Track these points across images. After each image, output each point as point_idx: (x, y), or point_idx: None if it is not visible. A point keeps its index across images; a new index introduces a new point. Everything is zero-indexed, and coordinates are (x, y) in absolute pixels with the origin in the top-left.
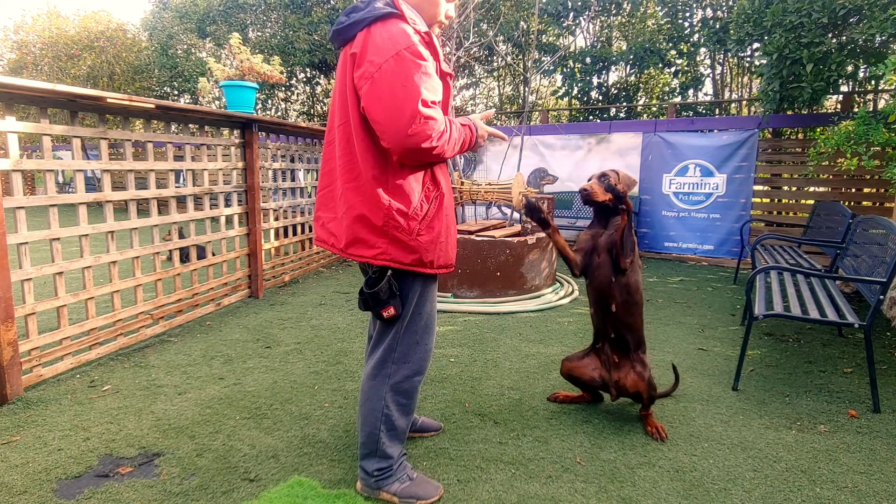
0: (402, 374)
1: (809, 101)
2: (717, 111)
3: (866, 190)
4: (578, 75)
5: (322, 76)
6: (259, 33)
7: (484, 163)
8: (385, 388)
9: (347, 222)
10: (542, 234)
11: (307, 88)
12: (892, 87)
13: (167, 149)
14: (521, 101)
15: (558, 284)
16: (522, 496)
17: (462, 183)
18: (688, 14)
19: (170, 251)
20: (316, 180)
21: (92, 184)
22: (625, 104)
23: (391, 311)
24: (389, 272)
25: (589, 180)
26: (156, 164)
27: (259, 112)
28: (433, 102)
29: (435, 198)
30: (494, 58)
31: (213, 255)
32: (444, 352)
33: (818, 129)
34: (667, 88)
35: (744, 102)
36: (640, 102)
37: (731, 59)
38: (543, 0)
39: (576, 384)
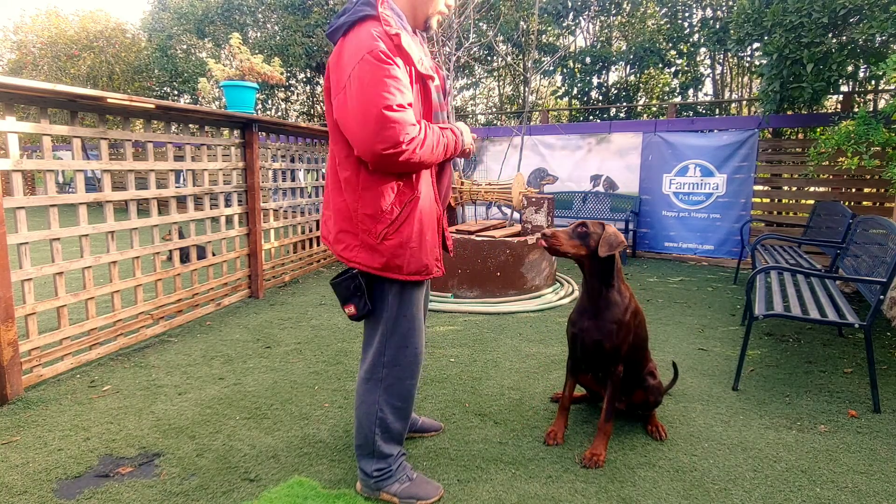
0: (393, 377)
1: (810, 101)
2: (717, 111)
3: (866, 190)
4: (578, 75)
5: (321, 77)
6: (258, 34)
7: (484, 163)
8: (378, 392)
9: (332, 220)
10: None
11: (307, 89)
12: (893, 87)
13: (167, 149)
14: (521, 101)
15: (558, 284)
16: (522, 496)
17: (462, 183)
18: (688, 14)
19: (170, 251)
20: (316, 180)
21: (92, 184)
22: (625, 104)
23: (352, 309)
24: (355, 271)
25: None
26: (156, 164)
27: (259, 112)
28: (399, 106)
29: (409, 202)
30: (494, 58)
31: (213, 255)
32: (444, 352)
33: (818, 129)
34: (667, 88)
35: (744, 102)
36: (640, 102)
37: (731, 59)
38: (543, 0)
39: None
